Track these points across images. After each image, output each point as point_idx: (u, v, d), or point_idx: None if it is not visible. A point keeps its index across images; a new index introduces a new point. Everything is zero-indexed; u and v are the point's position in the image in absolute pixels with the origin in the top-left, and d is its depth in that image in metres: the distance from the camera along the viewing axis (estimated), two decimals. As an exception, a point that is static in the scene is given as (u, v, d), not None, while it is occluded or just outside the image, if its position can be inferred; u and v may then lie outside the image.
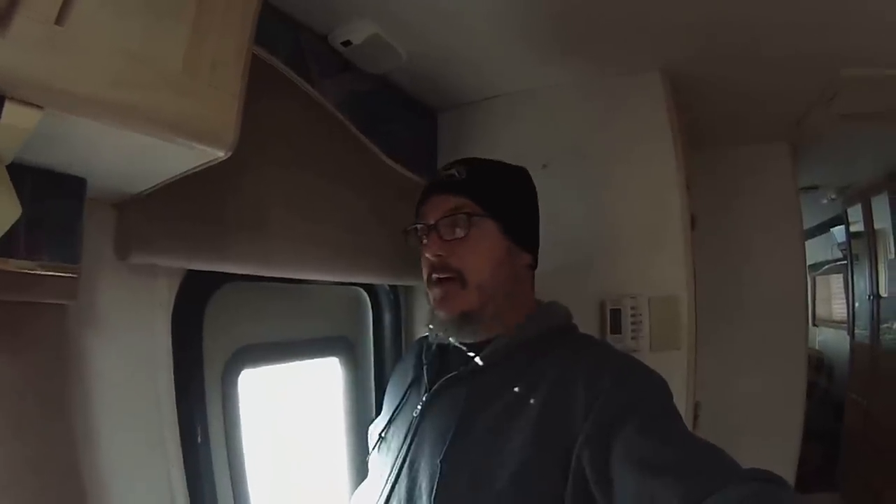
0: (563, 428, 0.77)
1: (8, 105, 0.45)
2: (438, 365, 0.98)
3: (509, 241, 0.94)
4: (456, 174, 0.94)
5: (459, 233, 0.90)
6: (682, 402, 1.33)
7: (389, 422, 1.00)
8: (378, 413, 1.12)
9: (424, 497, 0.83)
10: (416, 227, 0.96)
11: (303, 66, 1.14)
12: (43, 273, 0.65)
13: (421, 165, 1.46)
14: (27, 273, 0.63)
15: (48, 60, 0.45)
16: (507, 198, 0.97)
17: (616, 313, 1.40)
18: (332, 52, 1.24)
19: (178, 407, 0.89)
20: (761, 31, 1.27)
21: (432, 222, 0.92)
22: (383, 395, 1.12)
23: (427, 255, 0.92)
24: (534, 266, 1.00)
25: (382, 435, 0.99)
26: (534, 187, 1.04)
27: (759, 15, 1.20)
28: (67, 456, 0.68)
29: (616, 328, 1.40)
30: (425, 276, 0.94)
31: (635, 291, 1.41)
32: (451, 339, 0.95)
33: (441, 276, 0.91)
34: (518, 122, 1.58)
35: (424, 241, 0.93)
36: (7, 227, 0.55)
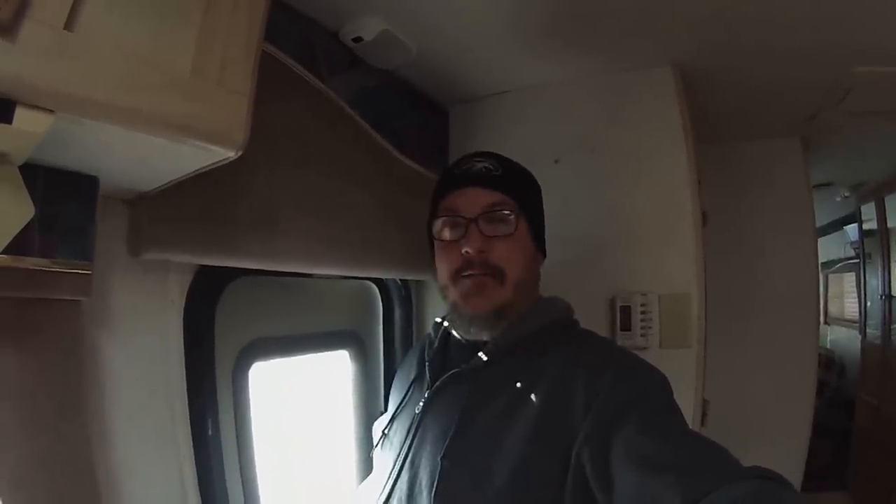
0: (563, 425, 0.77)
1: (19, 110, 0.46)
2: (440, 362, 0.98)
3: (534, 240, 0.95)
4: (492, 168, 0.92)
5: (504, 229, 0.89)
6: (691, 400, 1.33)
7: (392, 418, 1.01)
8: (387, 406, 1.13)
9: (425, 493, 0.84)
10: (454, 219, 0.92)
11: (313, 62, 1.14)
12: (57, 270, 0.66)
13: (431, 161, 1.46)
14: (42, 270, 0.64)
15: (58, 65, 0.45)
16: (534, 197, 0.98)
17: (626, 310, 1.40)
18: (342, 49, 1.24)
19: (189, 401, 0.90)
20: (774, 25, 1.26)
21: (472, 216, 0.89)
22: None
23: (467, 249, 0.88)
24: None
25: (385, 432, 1.00)
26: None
27: (771, 9, 1.19)
28: (81, 453, 0.69)
29: (626, 325, 1.40)
30: (451, 271, 0.91)
31: (646, 288, 1.41)
32: (475, 336, 0.93)
33: (476, 272, 0.88)
34: (529, 117, 1.57)
35: (452, 234, 0.92)
36: (21, 227, 0.56)
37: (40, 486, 0.63)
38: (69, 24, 0.44)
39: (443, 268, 0.93)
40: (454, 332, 1.00)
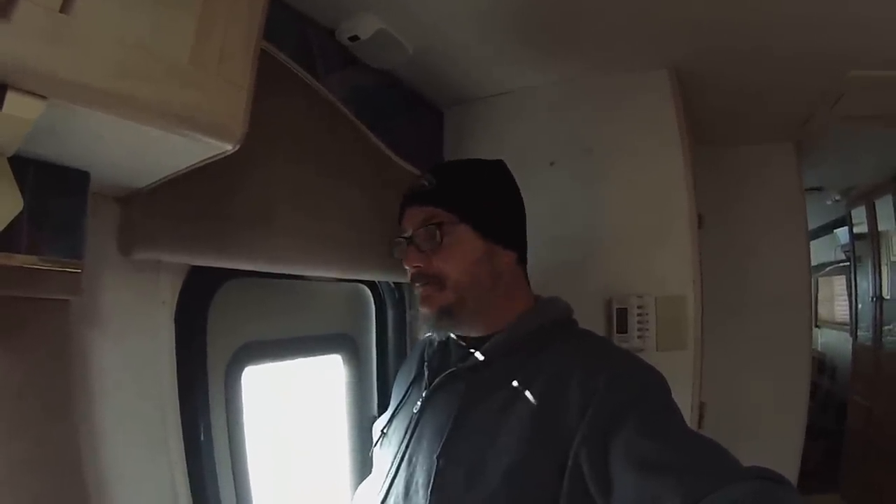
0: (559, 427, 0.76)
1: (10, 95, 0.44)
2: (439, 362, 0.99)
3: (487, 241, 0.94)
4: (426, 183, 0.96)
5: (433, 243, 0.92)
6: (687, 403, 1.33)
7: (392, 417, 1.01)
8: (381, 410, 1.11)
9: (421, 492, 0.83)
10: (400, 240, 0.98)
11: (309, 60, 1.13)
12: (46, 268, 0.64)
13: (426, 162, 1.43)
14: (30, 268, 0.62)
15: (52, 49, 0.44)
16: (479, 199, 0.96)
17: (622, 312, 1.40)
18: (338, 47, 1.23)
19: (180, 404, 0.88)
20: (769, 29, 1.27)
21: (409, 235, 0.95)
22: (385, 392, 1.12)
23: (406, 267, 0.94)
24: (522, 261, 0.99)
25: (384, 431, 1.00)
26: (511, 181, 1.02)
27: (767, 14, 1.20)
28: (69, 455, 0.67)
29: (622, 327, 1.40)
30: (410, 280, 0.97)
31: (642, 290, 1.40)
32: (434, 333, 0.98)
33: (419, 283, 0.93)
34: (525, 119, 1.57)
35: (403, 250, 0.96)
36: (8, 221, 0.54)
37: (26, 488, 0.61)
38: (65, 7, 0.43)
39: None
40: (453, 335, 0.99)
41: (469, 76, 1.51)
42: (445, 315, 0.92)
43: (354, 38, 1.19)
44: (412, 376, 1.04)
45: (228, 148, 0.59)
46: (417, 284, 0.94)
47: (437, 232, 0.91)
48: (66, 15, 0.43)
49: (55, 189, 0.64)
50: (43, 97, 0.45)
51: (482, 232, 0.93)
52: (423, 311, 0.94)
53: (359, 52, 1.26)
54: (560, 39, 1.32)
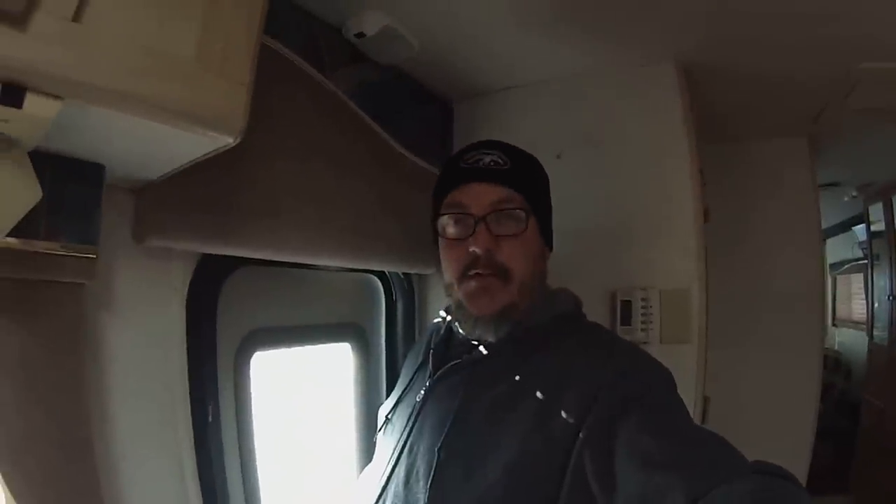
0: (562, 422, 0.75)
1: (29, 96, 0.48)
2: (444, 352, 0.98)
3: (542, 240, 0.93)
4: (500, 161, 0.87)
5: (513, 228, 0.85)
6: (690, 397, 1.33)
7: (396, 403, 1.01)
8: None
9: (421, 482, 0.83)
10: (462, 216, 0.88)
11: (316, 57, 1.16)
12: (63, 254, 0.68)
13: (435, 156, 1.46)
14: (48, 253, 0.66)
15: (66, 54, 0.47)
16: (543, 189, 0.94)
17: (627, 305, 1.41)
18: (345, 44, 1.25)
19: (190, 387, 0.92)
20: (779, 20, 1.26)
21: (481, 214, 0.85)
22: (394, 382, 1.13)
23: (475, 249, 0.85)
24: None
25: (389, 416, 1.00)
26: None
27: (777, 4, 1.19)
28: (81, 433, 0.70)
29: (626, 320, 1.40)
30: (458, 269, 0.88)
31: (646, 283, 1.41)
32: (480, 336, 0.90)
33: (483, 271, 0.85)
34: (533, 112, 1.58)
35: (458, 232, 0.89)
36: (28, 209, 0.58)
37: (38, 461, 0.64)
38: (77, 16, 0.46)
39: (449, 266, 0.91)
40: (456, 327, 0.98)
41: (476, 71, 1.52)
42: (506, 316, 0.87)
43: (361, 35, 1.22)
44: (419, 362, 1.03)
45: (230, 141, 0.62)
46: (476, 272, 0.85)
47: (525, 218, 0.85)
48: (78, 23, 0.47)
49: (72, 180, 0.68)
50: (59, 97, 0.49)
51: (541, 230, 0.91)
52: (478, 311, 0.87)
53: (365, 49, 1.28)
54: (567, 32, 1.33)
